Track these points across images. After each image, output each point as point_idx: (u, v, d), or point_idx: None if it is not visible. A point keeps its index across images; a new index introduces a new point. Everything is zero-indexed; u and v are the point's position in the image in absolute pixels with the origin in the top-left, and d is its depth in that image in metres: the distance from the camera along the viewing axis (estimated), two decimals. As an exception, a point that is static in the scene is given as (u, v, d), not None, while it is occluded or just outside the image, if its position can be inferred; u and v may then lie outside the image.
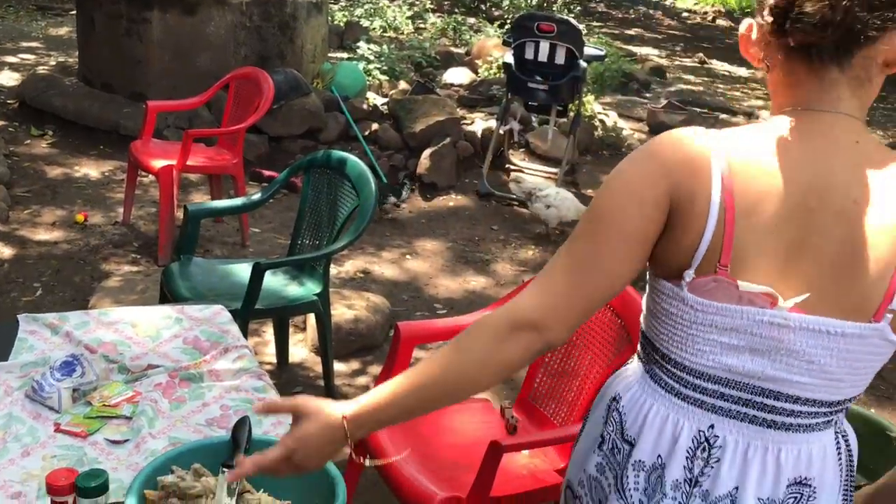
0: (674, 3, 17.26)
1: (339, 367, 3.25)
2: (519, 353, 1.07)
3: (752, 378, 1.08)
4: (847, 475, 1.16)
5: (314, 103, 5.47)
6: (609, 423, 1.20)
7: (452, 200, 5.23)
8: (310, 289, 2.89)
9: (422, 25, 10.15)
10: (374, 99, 6.10)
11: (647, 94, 8.55)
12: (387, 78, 6.70)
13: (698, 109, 7.77)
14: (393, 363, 2.20)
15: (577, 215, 4.65)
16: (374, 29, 9.14)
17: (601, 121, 6.72)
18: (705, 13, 16.50)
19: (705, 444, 1.11)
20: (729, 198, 1.03)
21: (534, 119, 6.25)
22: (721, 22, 15.97)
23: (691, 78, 9.90)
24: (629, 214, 1.06)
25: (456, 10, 11.57)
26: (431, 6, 11.10)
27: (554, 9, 11.60)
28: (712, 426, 1.11)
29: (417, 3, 10.82)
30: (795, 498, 1.11)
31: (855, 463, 1.18)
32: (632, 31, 13.33)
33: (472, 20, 10.84)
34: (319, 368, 3.17)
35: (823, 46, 1.01)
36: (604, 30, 12.34)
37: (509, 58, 5.17)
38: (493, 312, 1.10)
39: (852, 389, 1.11)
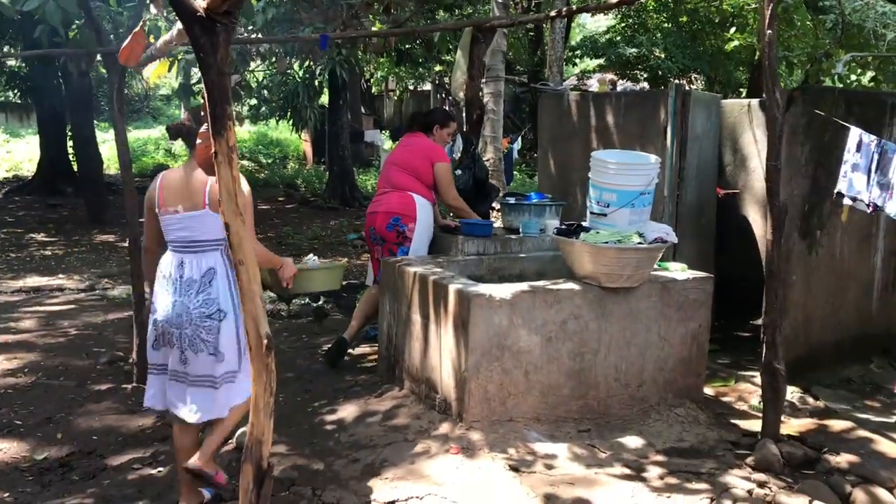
0: None
1: None
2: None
3: (186, 237, 3.26)
4: (230, 268, 3.23)
5: None
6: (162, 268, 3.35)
7: None
8: None
9: None
10: None
11: None
12: None
13: None
14: None
15: None
16: None
17: None
18: None
19: (181, 263, 3.26)
20: (161, 184, 3.34)
21: None
22: None
23: None
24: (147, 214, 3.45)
25: None
26: None
27: None
28: (182, 257, 3.28)
29: None
30: (209, 276, 3.25)
31: (230, 268, 3.25)
32: None
33: None
34: None
35: (188, 144, 3.38)
36: None
37: None
38: None
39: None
